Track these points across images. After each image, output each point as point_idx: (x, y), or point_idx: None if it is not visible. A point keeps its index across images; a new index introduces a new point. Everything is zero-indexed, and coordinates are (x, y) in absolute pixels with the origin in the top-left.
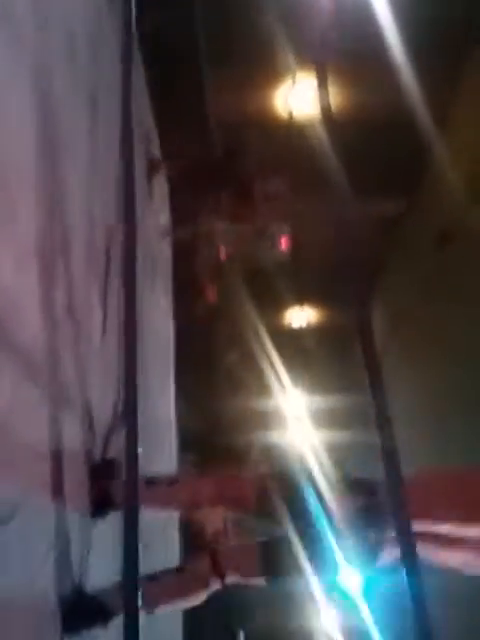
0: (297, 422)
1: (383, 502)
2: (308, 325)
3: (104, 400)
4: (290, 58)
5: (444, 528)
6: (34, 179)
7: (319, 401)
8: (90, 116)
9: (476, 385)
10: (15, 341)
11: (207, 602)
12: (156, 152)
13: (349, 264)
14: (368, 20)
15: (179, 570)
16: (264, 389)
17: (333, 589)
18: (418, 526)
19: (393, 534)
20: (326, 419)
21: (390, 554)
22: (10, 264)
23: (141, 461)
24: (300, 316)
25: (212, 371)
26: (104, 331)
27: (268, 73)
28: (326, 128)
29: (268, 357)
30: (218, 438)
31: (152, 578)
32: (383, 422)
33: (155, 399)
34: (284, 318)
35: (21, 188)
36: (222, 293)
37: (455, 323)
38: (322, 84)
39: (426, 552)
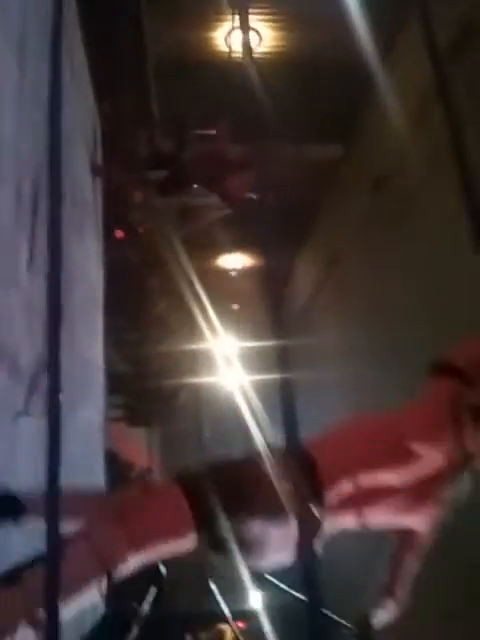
0: (227, 365)
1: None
2: (241, 269)
3: (31, 345)
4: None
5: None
6: None
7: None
8: (18, 57)
9: (409, 326)
10: None
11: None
12: (89, 91)
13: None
14: None
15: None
16: (194, 334)
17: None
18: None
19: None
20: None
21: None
22: None
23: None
24: (233, 260)
25: (142, 316)
26: (30, 271)
27: (208, 14)
28: (252, 69)
29: (199, 302)
30: (147, 382)
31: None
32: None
33: (83, 343)
34: (217, 262)
35: None
36: (153, 239)
37: (389, 264)
38: (244, 28)
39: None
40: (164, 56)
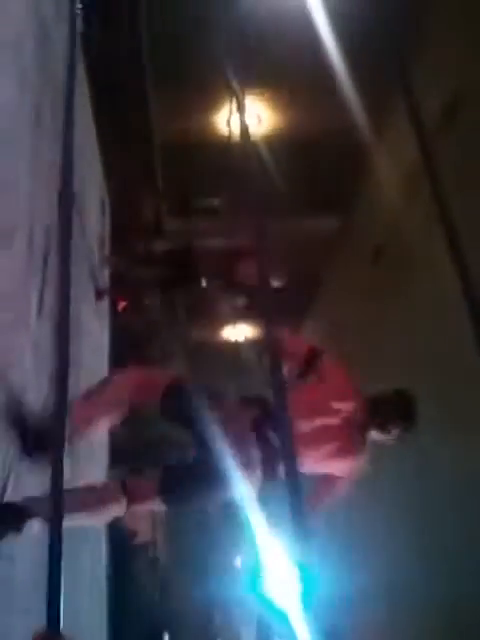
0: None
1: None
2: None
3: (38, 387)
4: (230, 82)
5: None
6: None
7: None
8: (35, 120)
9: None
10: None
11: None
12: (98, 167)
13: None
14: (305, 45)
15: (91, 488)
16: None
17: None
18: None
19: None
20: None
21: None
22: None
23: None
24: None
25: None
26: (40, 317)
27: (210, 96)
28: (248, 149)
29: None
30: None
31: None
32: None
33: None
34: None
35: None
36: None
37: (389, 330)
38: (241, 109)
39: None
40: (169, 137)
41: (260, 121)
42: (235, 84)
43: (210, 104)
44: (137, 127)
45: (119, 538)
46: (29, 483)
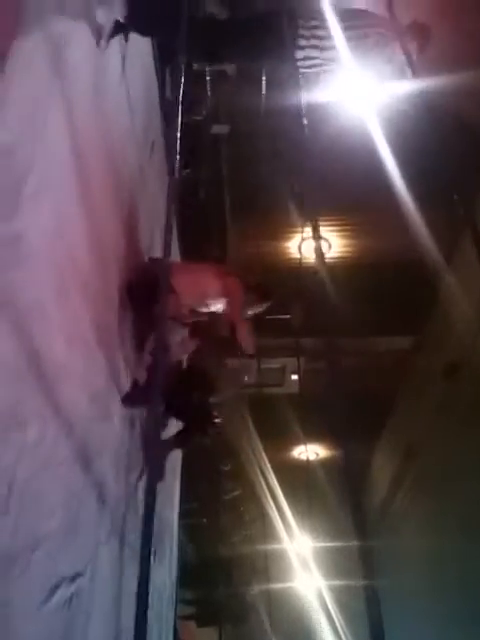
0: (302, 566)
1: None
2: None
3: (116, 484)
4: (301, 211)
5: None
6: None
7: None
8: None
9: None
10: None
11: None
12: None
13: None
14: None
15: None
16: (267, 528)
17: None
18: None
19: None
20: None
21: None
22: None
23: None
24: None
25: (215, 503)
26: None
27: (282, 224)
28: (325, 273)
29: (273, 495)
30: (217, 575)
31: None
32: None
33: (164, 506)
34: (291, 453)
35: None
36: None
37: (469, 449)
38: (316, 236)
39: None
40: (245, 263)
41: (330, 247)
42: (308, 213)
43: (282, 232)
44: (217, 252)
45: None
46: None
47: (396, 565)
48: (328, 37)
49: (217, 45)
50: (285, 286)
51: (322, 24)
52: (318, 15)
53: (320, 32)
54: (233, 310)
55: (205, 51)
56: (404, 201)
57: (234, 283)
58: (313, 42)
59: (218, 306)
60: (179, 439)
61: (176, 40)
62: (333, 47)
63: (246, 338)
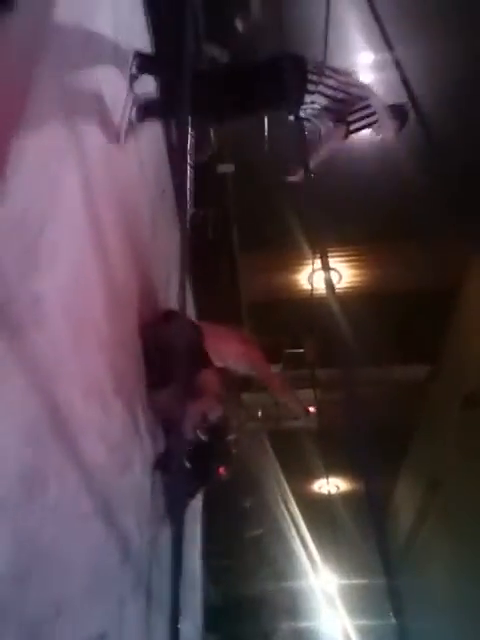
0: (328, 604)
1: None
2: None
3: (140, 537)
4: (311, 243)
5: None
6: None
7: None
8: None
9: None
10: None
11: None
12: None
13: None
14: (385, 205)
15: None
16: (292, 565)
17: None
18: None
19: None
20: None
21: None
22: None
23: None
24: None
25: (239, 543)
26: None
27: (292, 257)
28: (336, 304)
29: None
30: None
31: None
32: None
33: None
34: (312, 487)
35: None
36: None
37: None
38: (325, 267)
39: None
40: (255, 295)
41: (340, 278)
42: (317, 245)
43: (293, 264)
44: (227, 283)
45: None
46: None
47: (422, 604)
48: (334, 85)
49: (222, 103)
50: (297, 317)
51: (328, 71)
52: (320, 63)
53: (328, 80)
54: (266, 375)
55: (211, 109)
56: (413, 231)
57: (255, 349)
58: (320, 88)
59: (238, 369)
60: (200, 478)
61: (180, 93)
62: (338, 94)
63: (293, 400)
